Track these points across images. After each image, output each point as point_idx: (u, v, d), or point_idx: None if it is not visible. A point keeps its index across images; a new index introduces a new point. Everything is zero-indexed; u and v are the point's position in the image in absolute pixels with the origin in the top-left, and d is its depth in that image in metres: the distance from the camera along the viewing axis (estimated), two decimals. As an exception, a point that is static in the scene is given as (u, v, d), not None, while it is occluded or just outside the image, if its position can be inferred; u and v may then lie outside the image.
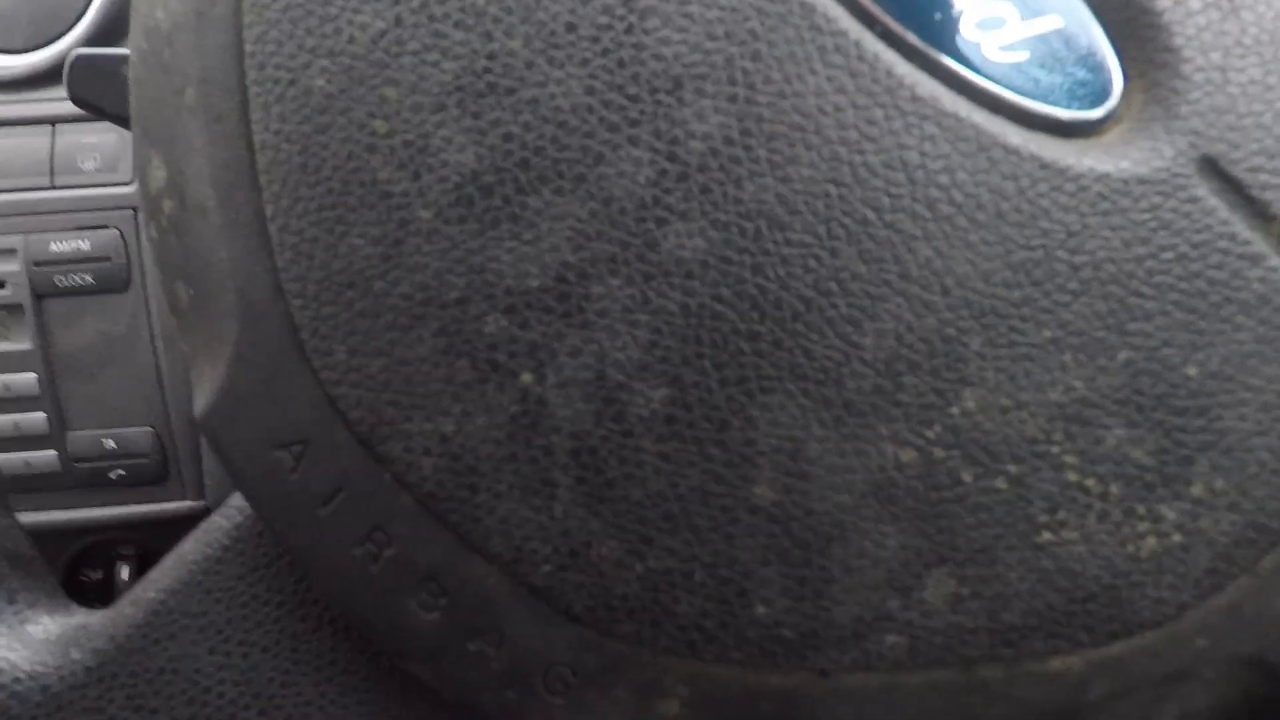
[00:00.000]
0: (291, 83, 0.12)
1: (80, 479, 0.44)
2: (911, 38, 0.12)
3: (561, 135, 0.12)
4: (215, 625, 0.15)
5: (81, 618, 0.16)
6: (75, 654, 0.15)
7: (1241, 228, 0.12)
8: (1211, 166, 0.12)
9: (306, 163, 0.12)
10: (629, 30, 0.11)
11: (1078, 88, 0.12)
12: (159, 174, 0.14)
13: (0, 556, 0.16)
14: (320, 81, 0.12)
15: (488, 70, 0.12)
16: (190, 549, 0.16)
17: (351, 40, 0.12)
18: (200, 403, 0.14)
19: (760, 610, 0.12)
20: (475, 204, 0.12)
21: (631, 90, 0.11)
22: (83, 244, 0.42)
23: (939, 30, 0.12)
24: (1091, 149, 0.12)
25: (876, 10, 0.12)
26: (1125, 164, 0.11)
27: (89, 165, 0.42)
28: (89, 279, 0.42)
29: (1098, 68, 0.12)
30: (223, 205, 0.13)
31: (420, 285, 0.12)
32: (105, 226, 0.42)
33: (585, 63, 0.11)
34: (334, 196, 0.12)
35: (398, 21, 0.12)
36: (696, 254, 0.11)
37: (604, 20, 0.11)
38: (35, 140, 0.42)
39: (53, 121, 0.42)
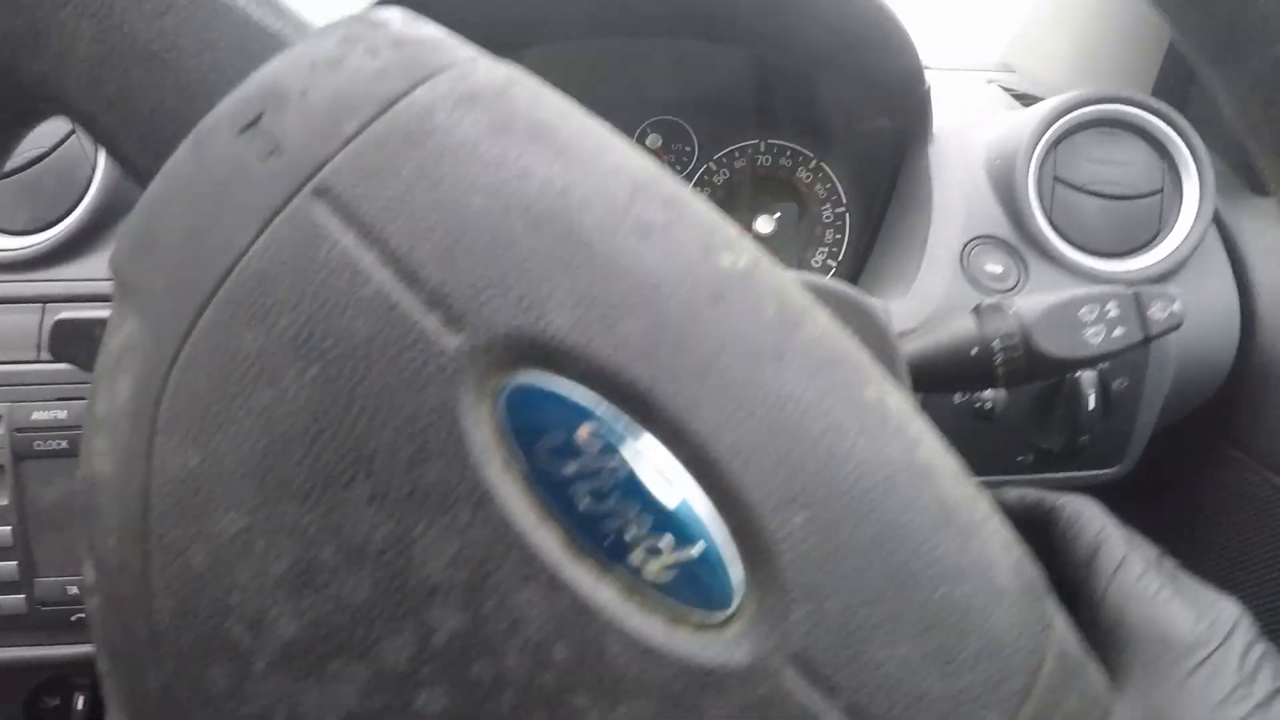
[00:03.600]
0: (178, 555, 0.18)
1: (44, 620, 0.48)
2: (598, 556, 0.17)
3: (354, 621, 0.17)
4: None
5: None
6: None
7: (813, 701, 0.17)
8: (800, 661, 0.17)
9: (185, 609, 0.17)
10: (403, 552, 0.17)
11: (711, 595, 0.17)
12: (90, 573, 0.19)
13: None
14: (197, 558, 0.17)
15: (307, 570, 0.17)
16: None
17: (219, 533, 0.17)
18: None
19: None
20: (294, 661, 0.17)
21: (400, 595, 0.17)
22: (60, 413, 0.47)
23: (615, 551, 0.17)
24: (715, 643, 0.17)
25: (579, 538, 0.17)
26: (737, 655, 0.17)
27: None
28: (64, 444, 0.47)
29: (724, 584, 0.17)
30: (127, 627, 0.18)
31: (254, 710, 0.17)
32: (82, 398, 0.47)
33: (373, 572, 0.17)
34: (202, 637, 0.17)
35: (251, 525, 0.17)
36: (439, 709, 0.16)
37: (386, 545, 0.17)
38: (27, 317, 0.48)
39: (44, 301, 0.47)
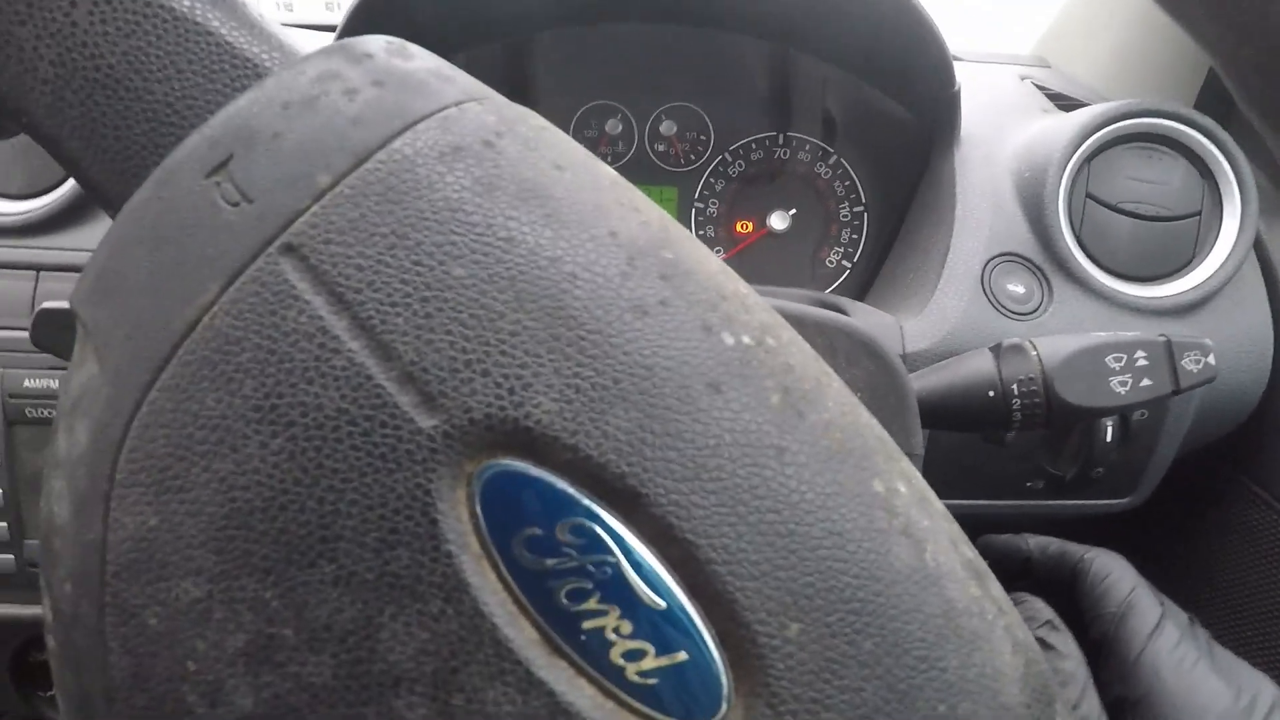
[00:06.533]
0: (133, 616, 0.17)
1: (32, 580, 0.48)
2: (575, 656, 0.16)
3: (314, 703, 0.16)
4: None
5: None
6: None
7: None
8: None
9: (140, 670, 0.17)
10: (368, 638, 0.16)
11: (694, 704, 0.16)
12: (48, 613, 0.18)
13: None
14: (153, 621, 0.16)
15: (267, 646, 0.16)
16: None
17: (176, 599, 0.16)
18: None
19: None
20: None
21: (364, 682, 0.16)
22: (52, 382, 0.46)
23: (595, 653, 0.16)
24: None
25: (556, 637, 0.16)
26: None
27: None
28: (54, 413, 0.45)
29: (711, 693, 0.16)
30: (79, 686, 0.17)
31: None
32: (74, 371, 0.46)
33: (335, 655, 0.16)
34: (156, 700, 0.16)
35: (210, 595, 0.16)
36: None
37: (351, 629, 0.16)
38: (20, 284, 0.46)
39: (38, 268, 0.46)
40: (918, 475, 0.20)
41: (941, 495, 0.57)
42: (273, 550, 0.16)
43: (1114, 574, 0.35)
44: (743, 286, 0.19)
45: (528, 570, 0.16)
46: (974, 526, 0.56)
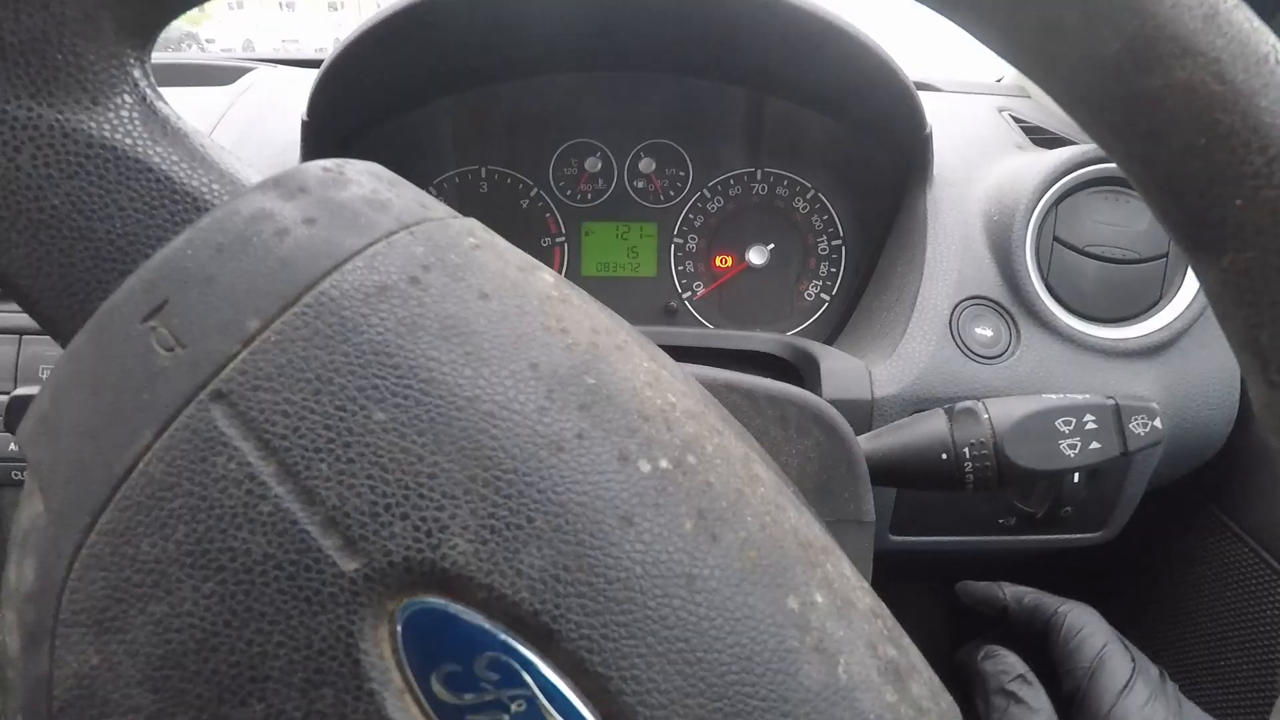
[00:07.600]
0: None
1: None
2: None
3: None
4: None
5: None
6: None
7: None
8: None
9: None
10: None
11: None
12: None
13: None
14: None
15: None
16: None
17: None
18: None
19: None
20: None
21: None
22: (38, 444, 0.47)
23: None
24: None
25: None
26: None
27: (47, 373, 0.47)
28: (41, 475, 0.47)
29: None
30: None
31: None
32: (58, 433, 0.47)
33: None
34: None
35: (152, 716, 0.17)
36: None
37: None
38: (4, 349, 0.47)
39: (20, 332, 0.47)
40: (844, 574, 0.20)
41: (916, 533, 0.58)
42: (205, 689, 0.17)
43: (1086, 628, 0.36)
44: (671, 397, 0.20)
45: (447, 705, 0.17)
46: (951, 562, 0.56)
